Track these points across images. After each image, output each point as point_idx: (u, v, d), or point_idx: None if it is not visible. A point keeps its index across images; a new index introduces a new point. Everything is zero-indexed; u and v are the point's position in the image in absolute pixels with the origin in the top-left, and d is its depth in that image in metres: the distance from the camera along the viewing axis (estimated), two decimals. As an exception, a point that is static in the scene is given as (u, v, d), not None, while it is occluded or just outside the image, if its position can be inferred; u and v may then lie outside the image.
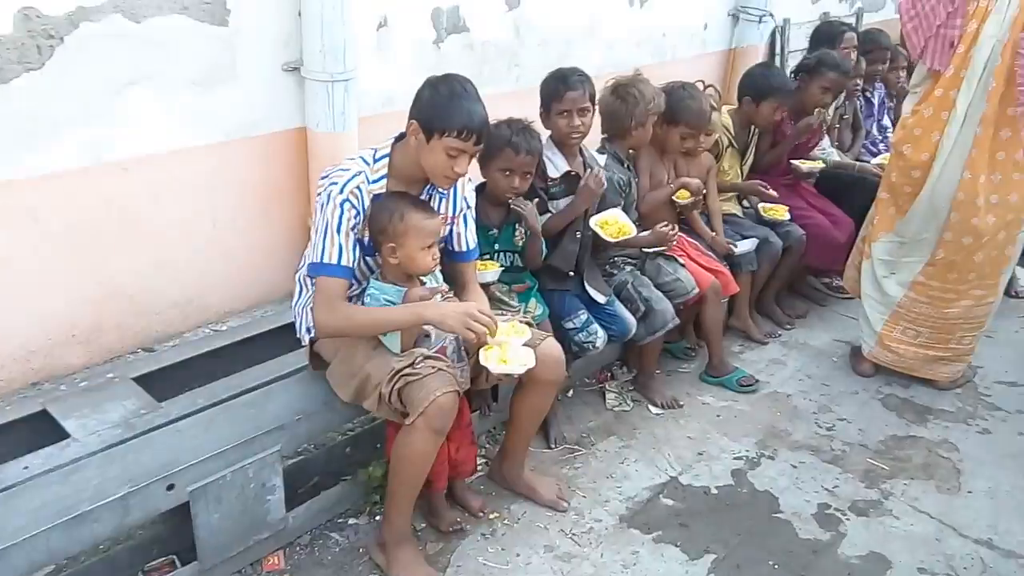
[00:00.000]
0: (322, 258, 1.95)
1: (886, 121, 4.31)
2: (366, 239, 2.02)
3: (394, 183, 2.03)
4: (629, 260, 2.85)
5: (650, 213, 2.91)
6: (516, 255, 2.48)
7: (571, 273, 2.60)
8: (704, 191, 3.03)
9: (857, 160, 3.95)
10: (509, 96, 3.73)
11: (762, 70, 3.33)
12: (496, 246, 2.45)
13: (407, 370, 1.89)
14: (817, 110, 3.40)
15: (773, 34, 5.69)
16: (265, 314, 3.07)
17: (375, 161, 2.02)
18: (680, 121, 2.91)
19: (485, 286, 2.35)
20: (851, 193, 3.55)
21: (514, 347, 1.94)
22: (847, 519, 2.34)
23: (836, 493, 2.45)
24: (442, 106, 1.90)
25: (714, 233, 3.16)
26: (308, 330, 2.13)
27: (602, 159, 2.71)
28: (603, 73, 4.57)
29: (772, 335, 3.37)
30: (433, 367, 1.89)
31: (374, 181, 2.00)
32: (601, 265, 2.80)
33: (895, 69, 4.19)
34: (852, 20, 6.84)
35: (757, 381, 2.98)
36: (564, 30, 4.18)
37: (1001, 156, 2.62)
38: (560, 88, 2.49)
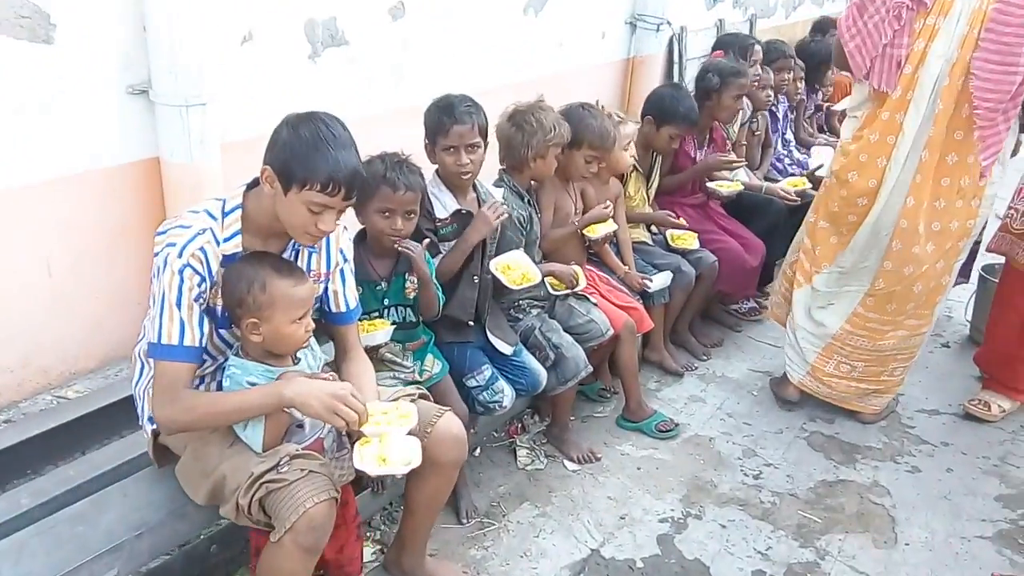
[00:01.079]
0: (160, 338, 1.57)
1: (789, 135, 4.21)
2: (219, 308, 1.66)
3: (250, 239, 1.67)
4: (536, 303, 2.57)
5: (555, 250, 2.65)
6: (409, 309, 2.15)
7: (471, 323, 2.30)
8: (615, 227, 2.79)
9: (766, 179, 3.83)
10: (397, 114, 3.40)
11: (672, 93, 3.11)
12: (386, 301, 2.11)
13: (270, 475, 1.53)
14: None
15: (671, 42, 5.56)
16: (116, 375, 2.64)
17: (224, 215, 1.65)
18: (583, 143, 2.65)
19: (374, 349, 2.02)
20: (760, 214, 3.41)
21: (395, 440, 1.60)
22: (784, 587, 2.13)
23: (770, 556, 2.24)
24: (303, 153, 1.56)
25: (626, 267, 2.92)
26: (151, 419, 1.74)
27: (499, 193, 2.42)
28: (499, 86, 4.32)
29: (689, 367, 3.16)
30: (303, 470, 1.54)
31: (225, 240, 1.64)
32: (505, 310, 2.51)
33: (794, 80, 4.09)
34: (746, 26, 6.82)
35: (677, 425, 2.76)
36: (455, 41, 3.86)
37: (946, 182, 2.46)
38: (445, 121, 2.18)
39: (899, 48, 2.40)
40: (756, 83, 3.61)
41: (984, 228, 2.67)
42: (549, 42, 4.56)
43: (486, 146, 2.27)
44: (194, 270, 1.58)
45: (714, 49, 4.17)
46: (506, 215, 2.25)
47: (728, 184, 3.27)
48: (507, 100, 4.37)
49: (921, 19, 2.37)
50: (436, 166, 2.26)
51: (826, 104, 4.72)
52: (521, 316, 2.53)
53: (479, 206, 2.28)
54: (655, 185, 3.19)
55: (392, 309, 2.12)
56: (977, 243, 2.92)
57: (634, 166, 3.04)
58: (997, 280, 3.33)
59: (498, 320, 2.40)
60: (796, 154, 4.14)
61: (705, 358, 3.24)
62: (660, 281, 2.89)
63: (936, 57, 2.35)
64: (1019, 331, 2.83)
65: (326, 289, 1.84)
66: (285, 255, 1.74)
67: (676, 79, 5.91)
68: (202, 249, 1.59)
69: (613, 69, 5.20)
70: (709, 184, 3.27)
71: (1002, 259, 2.97)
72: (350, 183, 1.58)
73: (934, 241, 2.52)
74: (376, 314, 2.08)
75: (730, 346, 3.36)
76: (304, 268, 1.74)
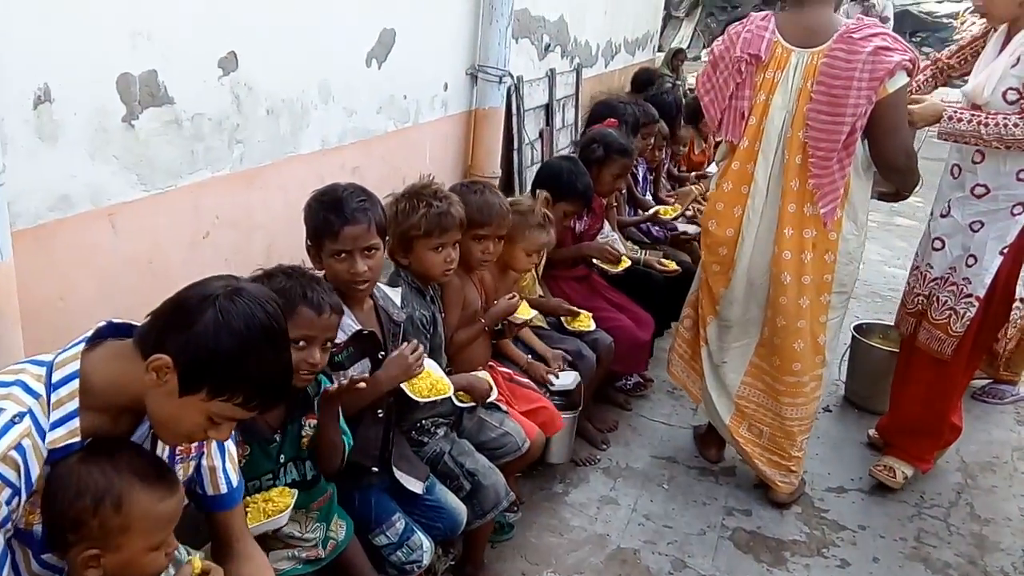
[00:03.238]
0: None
1: (648, 196, 4.11)
2: (36, 528, 1.11)
3: (92, 419, 1.14)
4: (441, 419, 2.15)
5: (462, 352, 2.25)
6: (308, 462, 1.66)
7: (375, 469, 1.84)
8: (534, 313, 2.47)
9: (628, 239, 3.69)
10: (232, 180, 2.87)
11: (570, 168, 2.85)
12: (282, 458, 1.61)
13: None
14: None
15: (508, 93, 5.37)
16: None
17: (51, 387, 1.12)
18: (481, 223, 2.29)
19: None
20: (642, 286, 3.22)
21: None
22: None
23: None
24: (231, 358, 1.11)
25: (528, 357, 2.59)
26: None
27: (397, 294, 1.99)
28: (344, 143, 3.86)
29: (591, 460, 2.87)
30: None
31: (53, 426, 1.10)
32: (406, 433, 2.07)
33: (655, 148, 4.01)
34: (573, 76, 6.83)
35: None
36: (295, 95, 3.37)
37: (807, 234, 2.43)
38: (334, 221, 1.76)
39: (742, 100, 2.44)
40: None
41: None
42: (395, 95, 4.17)
43: (385, 246, 1.85)
44: (2, 480, 1.03)
45: (588, 118, 3.93)
46: (424, 355, 1.84)
47: (617, 264, 3.05)
48: (353, 156, 3.93)
49: (761, 73, 2.40)
50: (322, 272, 1.80)
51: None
52: (426, 439, 2.10)
53: (378, 320, 1.85)
54: (542, 264, 2.90)
55: (290, 466, 1.62)
56: None
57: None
58: (871, 342, 3.39)
59: (403, 451, 1.96)
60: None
61: (605, 447, 2.96)
62: (567, 381, 2.59)
63: (777, 109, 2.38)
64: (922, 404, 2.82)
65: (199, 466, 1.33)
66: (137, 437, 1.22)
67: (516, 131, 5.73)
68: (19, 447, 1.05)
69: (456, 122, 4.89)
70: (597, 262, 3.05)
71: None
72: (280, 396, 1.17)
73: (804, 294, 2.48)
74: (269, 479, 1.57)
75: (625, 429, 3.11)
76: (167, 454, 1.23)
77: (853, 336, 3.41)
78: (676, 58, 8.88)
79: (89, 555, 1.09)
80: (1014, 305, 2.62)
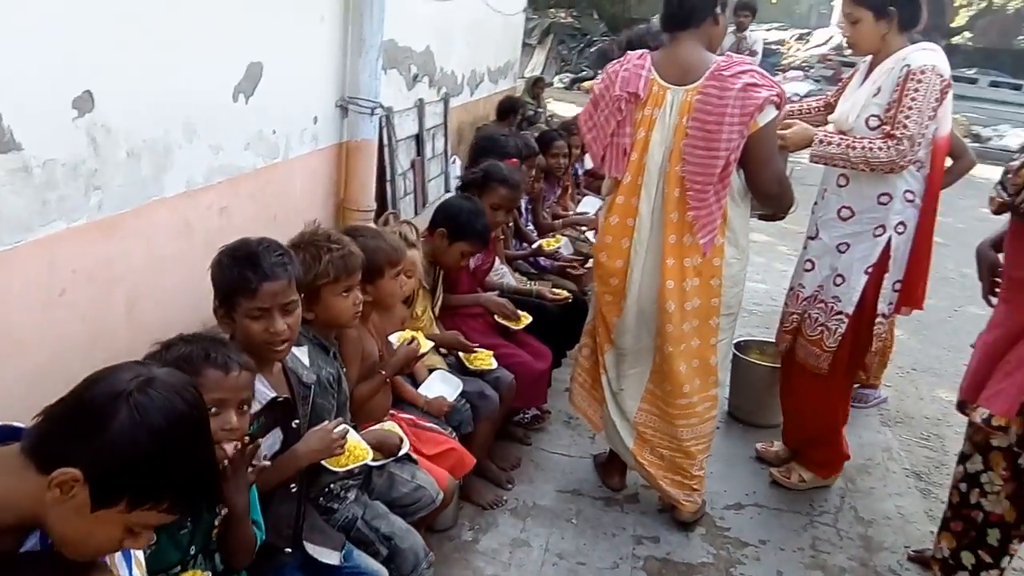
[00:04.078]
0: None
1: (530, 226, 4.14)
2: None
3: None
4: (351, 481, 2.03)
5: (364, 405, 2.14)
6: (219, 554, 1.50)
7: (288, 549, 1.71)
8: (431, 344, 2.39)
9: (517, 270, 3.69)
10: (89, 230, 2.63)
11: (469, 207, 2.80)
12: (192, 549, 1.45)
13: None
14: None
15: (380, 124, 5.27)
16: None
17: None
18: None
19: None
20: (537, 317, 3.20)
21: None
22: None
23: None
24: (153, 463, 0.99)
25: (425, 397, 2.51)
26: None
27: (304, 353, 1.87)
28: (211, 183, 3.64)
29: (498, 502, 2.81)
30: None
31: None
32: (314, 501, 1.94)
33: (535, 180, 4.04)
34: (440, 105, 6.81)
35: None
36: (158, 135, 3.14)
37: (688, 262, 2.52)
38: (251, 278, 1.64)
39: (623, 137, 2.51)
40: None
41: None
42: (264, 129, 3.98)
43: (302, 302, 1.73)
44: None
45: (473, 150, 3.88)
46: (347, 430, 1.73)
47: (518, 320, 3.05)
48: (221, 197, 3.70)
49: (640, 110, 2.48)
50: (229, 335, 1.66)
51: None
52: (336, 505, 1.97)
53: (288, 383, 1.72)
54: (439, 303, 2.84)
55: (202, 558, 1.46)
56: None
57: (420, 282, 2.66)
58: (750, 359, 3.54)
59: (313, 521, 1.83)
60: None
61: (510, 486, 2.92)
62: (448, 388, 2.54)
63: (656, 145, 2.47)
64: (810, 417, 2.99)
65: None
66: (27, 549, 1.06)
67: (388, 163, 5.64)
68: None
69: (327, 155, 4.73)
70: (498, 318, 3.04)
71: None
72: (210, 491, 1.08)
73: (688, 320, 2.56)
74: (176, 572, 1.41)
75: (528, 464, 3.08)
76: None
77: (734, 354, 3.54)
78: (536, 86, 9.08)
79: None
80: (876, 321, 2.80)
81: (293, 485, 1.70)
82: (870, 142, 2.60)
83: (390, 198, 5.65)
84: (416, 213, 6.04)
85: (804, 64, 18.26)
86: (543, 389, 3.14)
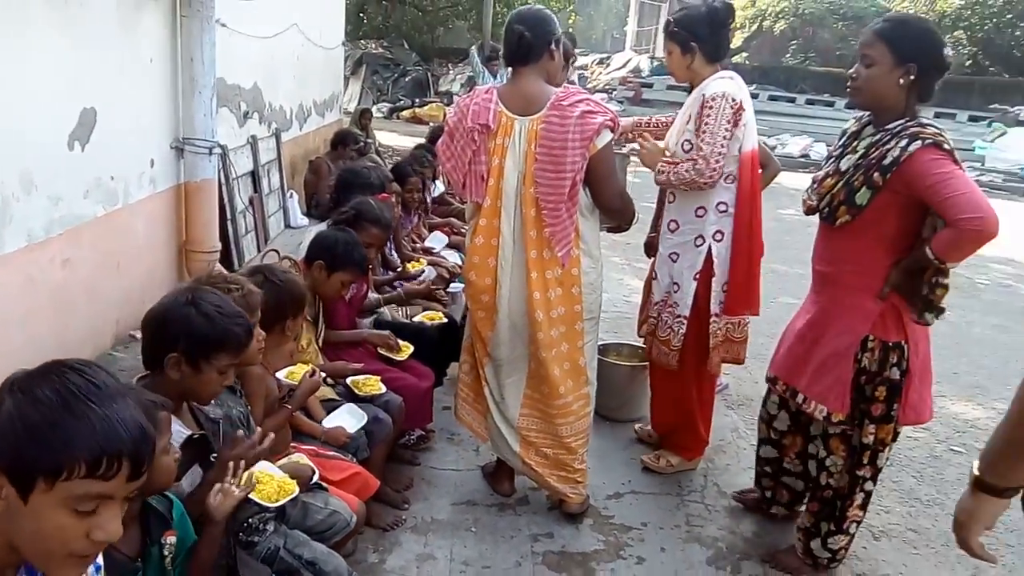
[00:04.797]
0: None
1: (393, 255, 4.23)
2: None
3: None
4: (267, 514, 2.04)
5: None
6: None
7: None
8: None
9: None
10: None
11: (345, 239, 2.85)
12: None
13: None
14: None
15: (217, 163, 5.15)
16: None
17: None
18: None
19: None
20: (416, 339, 3.31)
21: None
22: None
23: None
24: (44, 427, 0.99)
25: (324, 426, 2.55)
26: None
27: (215, 390, 1.87)
28: (52, 235, 3.46)
29: (398, 523, 2.88)
30: None
31: None
32: (235, 537, 1.94)
33: (393, 207, 4.14)
34: (272, 140, 6.74)
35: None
36: (-8, 187, 2.97)
37: (549, 274, 2.74)
38: (242, 335, 1.67)
39: (480, 165, 2.72)
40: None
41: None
42: (101, 176, 3.81)
43: None
44: None
45: (339, 184, 3.86)
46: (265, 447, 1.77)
47: (401, 351, 3.15)
48: (63, 248, 3.55)
49: (492, 139, 2.69)
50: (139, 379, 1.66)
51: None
52: (256, 538, 1.97)
53: (196, 421, 1.73)
54: (322, 334, 2.87)
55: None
56: None
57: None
58: (608, 359, 3.83)
59: (243, 557, 1.84)
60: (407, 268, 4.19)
61: (407, 506, 2.98)
62: (352, 420, 2.59)
63: (510, 171, 2.69)
64: (671, 409, 3.32)
65: None
66: None
67: (228, 201, 5.53)
68: None
69: (166, 197, 4.58)
70: (381, 351, 3.13)
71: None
72: (137, 449, 1.03)
73: (556, 326, 2.79)
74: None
75: (420, 483, 3.16)
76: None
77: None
78: (363, 117, 9.13)
79: None
80: (711, 320, 3.15)
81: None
82: (681, 165, 2.97)
83: (232, 237, 5.54)
84: (258, 250, 5.95)
85: (607, 87, 19.51)
86: (429, 409, 3.23)
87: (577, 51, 24.59)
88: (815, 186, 2.57)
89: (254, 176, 6.15)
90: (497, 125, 2.67)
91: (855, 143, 2.50)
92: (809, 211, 2.58)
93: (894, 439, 2.54)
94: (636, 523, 3.02)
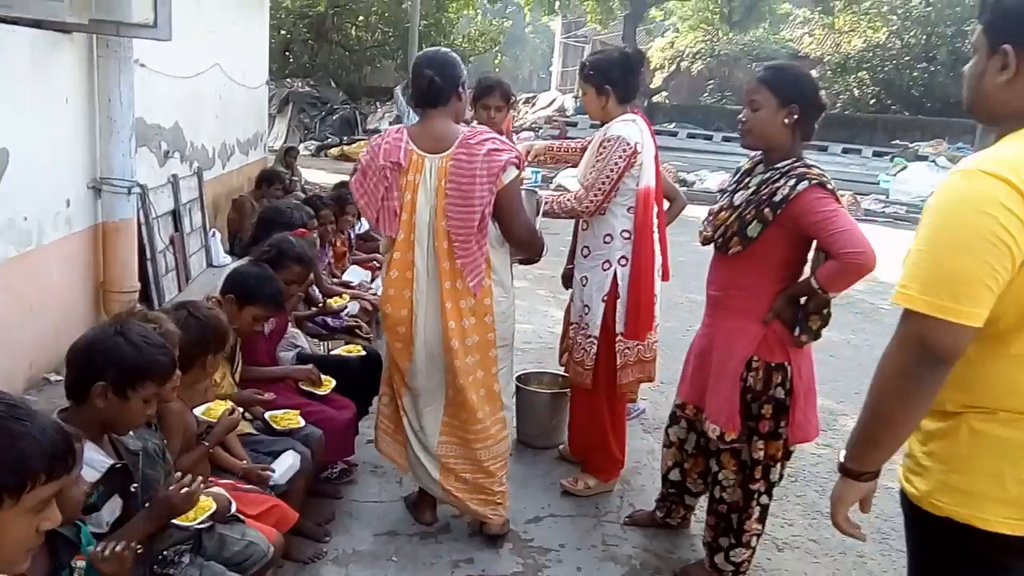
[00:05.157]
0: None
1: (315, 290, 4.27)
2: None
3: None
4: (183, 546, 2.06)
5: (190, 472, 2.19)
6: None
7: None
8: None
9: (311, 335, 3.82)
10: None
11: (257, 273, 2.90)
12: None
13: None
14: None
15: (136, 203, 5.12)
16: None
17: None
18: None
19: None
20: (337, 373, 3.36)
21: None
22: None
23: None
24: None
25: (244, 462, 2.57)
26: None
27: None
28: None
29: (318, 555, 2.90)
30: None
31: None
32: (150, 570, 1.96)
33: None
34: (194, 179, 6.71)
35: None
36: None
37: (463, 304, 2.86)
38: (166, 364, 1.74)
39: (393, 201, 2.83)
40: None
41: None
42: (14, 218, 3.77)
43: None
44: None
45: (259, 223, 3.90)
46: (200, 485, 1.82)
47: (323, 385, 3.22)
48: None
49: (404, 176, 2.82)
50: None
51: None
52: (171, 571, 2.00)
53: (117, 452, 1.77)
54: (239, 369, 2.90)
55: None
56: None
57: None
58: (529, 387, 3.96)
59: (155, 588, 1.87)
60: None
61: (328, 539, 3.01)
62: (284, 466, 2.63)
63: (422, 205, 2.81)
64: (586, 427, 3.47)
65: None
66: None
67: (148, 241, 5.48)
68: None
69: (83, 238, 4.53)
70: (303, 385, 3.18)
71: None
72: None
73: (471, 354, 2.90)
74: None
75: (342, 516, 3.19)
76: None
77: (517, 386, 3.93)
78: (288, 155, 9.16)
79: None
80: (617, 340, 3.33)
81: (139, 547, 1.74)
82: (564, 195, 3.24)
83: (152, 277, 5.48)
84: (180, 289, 5.90)
85: (534, 125, 19.93)
86: (351, 441, 3.27)
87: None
88: (711, 218, 2.77)
89: (175, 215, 6.11)
90: (408, 163, 2.79)
91: (747, 180, 2.71)
92: (705, 241, 2.77)
93: (785, 456, 2.71)
94: (554, 545, 3.12)
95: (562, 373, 3.81)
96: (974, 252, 1.41)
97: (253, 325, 2.87)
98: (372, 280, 4.97)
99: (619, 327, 3.30)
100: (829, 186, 2.51)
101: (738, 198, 2.67)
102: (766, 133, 2.62)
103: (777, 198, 2.51)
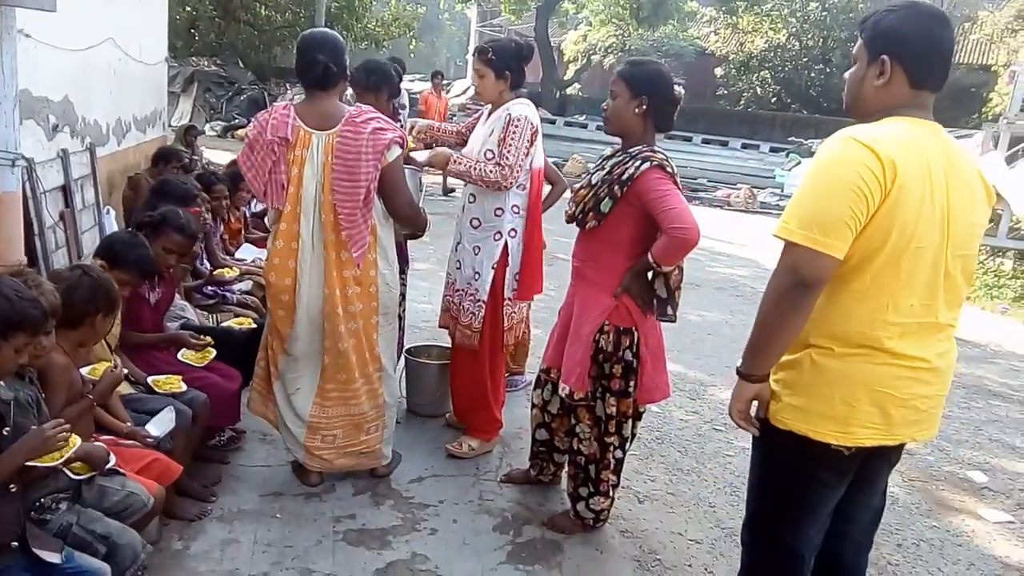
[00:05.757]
0: None
1: (204, 263, 4.33)
2: None
3: None
4: (61, 495, 2.16)
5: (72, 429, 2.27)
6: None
7: (15, 543, 1.84)
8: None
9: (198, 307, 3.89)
10: None
11: (125, 238, 3.05)
12: None
13: None
14: None
15: (22, 176, 5.02)
16: None
17: None
18: None
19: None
20: (224, 346, 3.44)
21: None
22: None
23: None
24: None
25: (127, 424, 2.66)
26: None
27: None
28: None
29: (203, 513, 3.01)
30: None
31: None
32: (27, 515, 2.05)
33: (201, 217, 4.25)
34: (86, 155, 6.58)
35: None
36: None
37: (347, 273, 3.04)
38: (38, 316, 1.89)
39: (280, 174, 2.99)
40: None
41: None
42: None
43: None
44: None
45: (154, 192, 3.92)
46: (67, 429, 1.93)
47: (203, 354, 3.30)
48: None
49: (291, 151, 2.98)
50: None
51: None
52: (48, 516, 2.10)
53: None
54: (115, 330, 2.97)
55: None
56: None
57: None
58: (419, 359, 4.14)
59: (31, 530, 1.96)
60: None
61: (213, 499, 3.12)
62: (161, 424, 2.73)
63: (309, 179, 2.98)
64: (469, 387, 3.69)
65: None
66: None
67: (35, 216, 5.38)
68: None
69: (-41, 211, 4.43)
70: (182, 357, 3.26)
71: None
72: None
73: (354, 320, 3.10)
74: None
75: (230, 480, 3.30)
76: None
77: (406, 359, 4.11)
78: (188, 134, 9.03)
79: None
80: (504, 303, 3.56)
81: (13, 486, 1.84)
82: (486, 165, 3.36)
83: (40, 252, 5.39)
84: (71, 267, 5.77)
85: (448, 112, 20.01)
86: (236, 408, 3.38)
87: (417, 76, 24.94)
88: (571, 195, 3.01)
89: (65, 191, 5.98)
90: (296, 138, 2.95)
91: (607, 163, 2.96)
92: (569, 219, 3.01)
93: (636, 415, 2.99)
94: (434, 501, 3.32)
95: (448, 346, 4.00)
96: (841, 198, 1.79)
97: (121, 289, 2.93)
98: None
99: (507, 292, 3.54)
100: (668, 168, 2.78)
101: (595, 178, 2.92)
102: (620, 120, 2.88)
103: (624, 176, 2.77)
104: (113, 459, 2.30)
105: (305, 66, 3.01)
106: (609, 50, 25.17)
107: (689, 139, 18.11)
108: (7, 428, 1.88)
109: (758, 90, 23.85)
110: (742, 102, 23.50)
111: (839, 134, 1.88)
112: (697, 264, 8.95)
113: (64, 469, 2.11)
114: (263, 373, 3.24)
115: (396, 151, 3.00)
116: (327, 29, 3.15)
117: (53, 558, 1.93)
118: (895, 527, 3.47)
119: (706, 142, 18.41)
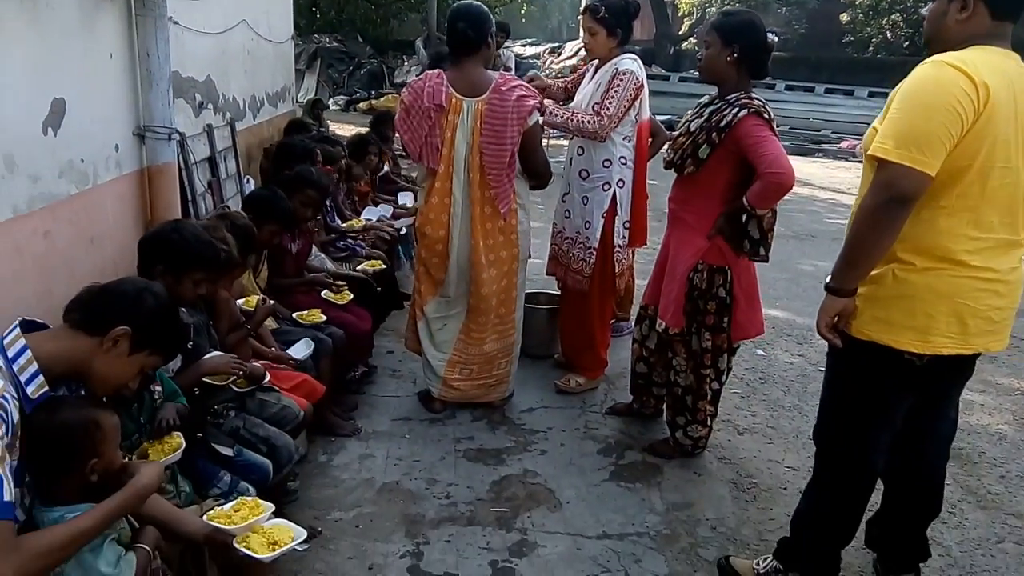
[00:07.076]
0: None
1: (336, 220, 4.77)
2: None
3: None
4: (229, 404, 2.60)
5: (233, 350, 2.71)
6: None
7: (200, 435, 2.28)
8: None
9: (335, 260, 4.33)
10: None
11: (269, 195, 3.41)
12: (142, 419, 2.05)
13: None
14: None
15: (176, 149, 5.63)
16: None
17: (11, 360, 1.49)
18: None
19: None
20: (359, 289, 3.85)
21: (268, 524, 1.70)
22: (515, 564, 2.65)
23: (492, 547, 2.73)
24: (162, 328, 1.75)
25: (273, 349, 3.10)
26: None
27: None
28: (34, 209, 3.94)
29: (356, 430, 3.48)
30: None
31: (27, 382, 1.49)
32: (204, 416, 2.49)
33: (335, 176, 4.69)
34: (227, 129, 7.20)
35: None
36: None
37: (489, 227, 3.39)
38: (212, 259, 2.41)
39: (435, 138, 3.30)
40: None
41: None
42: (73, 159, 4.30)
43: None
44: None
45: (277, 154, 4.40)
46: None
47: (342, 295, 3.70)
48: (43, 222, 4.06)
49: (445, 117, 3.28)
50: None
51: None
52: (221, 420, 2.54)
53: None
54: (263, 275, 3.43)
55: (147, 427, 2.04)
56: None
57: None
58: (530, 305, 4.44)
59: (209, 428, 2.40)
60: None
61: (352, 422, 3.55)
62: (301, 349, 3.14)
63: (460, 142, 3.30)
64: (577, 328, 3.97)
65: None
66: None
67: (188, 185, 6.00)
68: (3, 397, 1.42)
69: (131, 180, 5.06)
70: (324, 294, 3.66)
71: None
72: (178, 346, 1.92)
73: (495, 268, 3.44)
74: (137, 437, 1.98)
75: (364, 407, 3.73)
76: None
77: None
78: (315, 107, 9.63)
79: (93, 463, 1.54)
80: (615, 250, 3.78)
81: (196, 390, 2.27)
82: (584, 115, 3.58)
83: (193, 216, 6.02)
84: (219, 231, 6.40)
85: (559, 75, 20.09)
86: (368, 346, 3.80)
87: (529, 40, 24.96)
88: (671, 144, 3.18)
89: (211, 162, 6.62)
90: (448, 104, 3.28)
91: (704, 110, 3.10)
92: (667, 166, 3.19)
93: (731, 351, 3.16)
94: (543, 428, 3.63)
95: (556, 292, 4.26)
96: (936, 118, 1.88)
97: (270, 239, 3.35)
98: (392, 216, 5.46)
99: (617, 240, 3.77)
100: (765, 115, 2.89)
101: (694, 125, 3.07)
102: (714, 69, 3.01)
103: (722, 123, 2.90)
104: (268, 377, 2.72)
105: (450, 34, 3.35)
106: (726, 3, 24.32)
107: (811, 89, 17.42)
108: (190, 343, 2.30)
109: (888, 35, 22.51)
110: (871, 49, 22.25)
111: (931, 59, 1.97)
112: (816, 216, 8.81)
113: (230, 385, 2.55)
114: (411, 318, 3.66)
115: (536, 116, 3.32)
116: (474, 2, 3.39)
117: (227, 451, 2.36)
118: (1000, 460, 3.49)
119: (830, 92, 17.64)
